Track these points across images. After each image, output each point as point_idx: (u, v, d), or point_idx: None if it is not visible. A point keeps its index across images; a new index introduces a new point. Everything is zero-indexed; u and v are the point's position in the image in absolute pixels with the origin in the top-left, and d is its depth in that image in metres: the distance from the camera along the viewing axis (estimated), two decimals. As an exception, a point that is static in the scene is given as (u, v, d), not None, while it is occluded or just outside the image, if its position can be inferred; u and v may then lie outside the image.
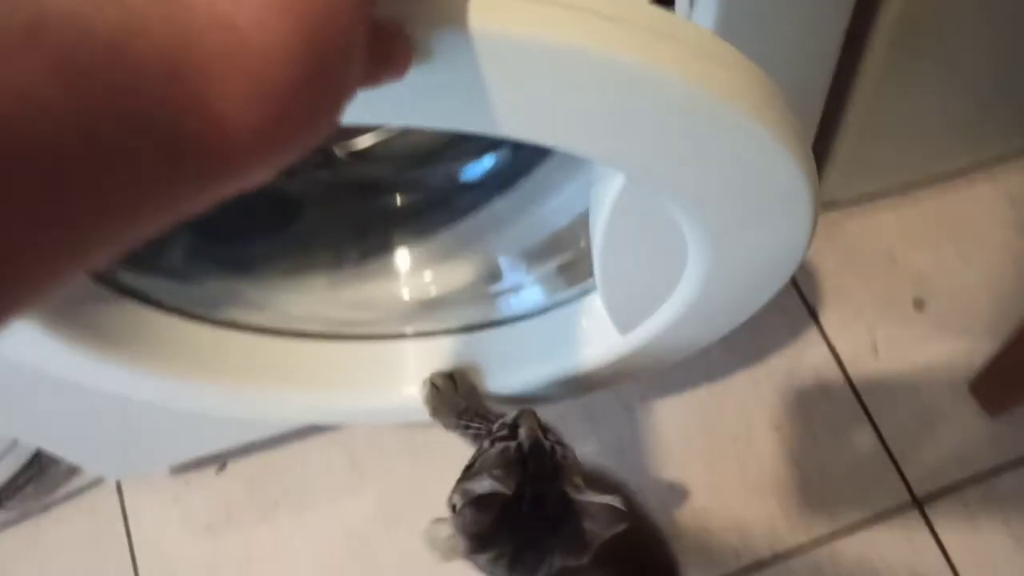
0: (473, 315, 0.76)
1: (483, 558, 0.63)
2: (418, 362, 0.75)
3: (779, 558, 0.96)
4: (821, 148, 1.01)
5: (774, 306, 1.08)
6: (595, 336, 0.72)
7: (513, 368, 0.76)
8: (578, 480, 0.63)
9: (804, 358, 1.04)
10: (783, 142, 0.43)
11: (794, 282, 1.08)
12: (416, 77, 0.33)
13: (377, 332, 0.75)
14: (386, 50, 0.32)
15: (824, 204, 1.09)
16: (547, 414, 0.67)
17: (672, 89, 0.38)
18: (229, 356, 0.69)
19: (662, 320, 0.66)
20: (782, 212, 0.50)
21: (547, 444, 0.63)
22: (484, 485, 0.59)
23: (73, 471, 1.01)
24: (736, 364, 1.05)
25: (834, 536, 0.97)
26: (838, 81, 0.90)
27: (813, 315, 1.06)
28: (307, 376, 0.73)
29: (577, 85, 0.38)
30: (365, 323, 0.75)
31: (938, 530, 0.96)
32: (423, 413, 0.74)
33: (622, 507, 0.61)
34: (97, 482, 1.03)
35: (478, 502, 0.60)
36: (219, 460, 1.03)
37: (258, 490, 1.02)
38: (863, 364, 1.04)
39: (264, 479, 1.02)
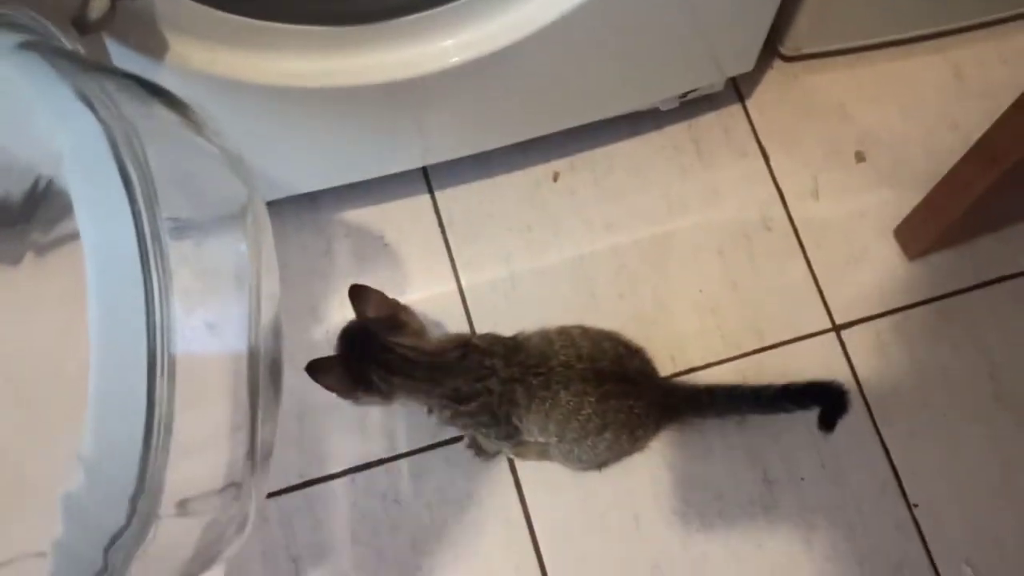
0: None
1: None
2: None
3: (710, 365, 1.07)
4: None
5: (731, 145, 1.17)
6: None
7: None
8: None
9: (752, 194, 1.14)
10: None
11: (751, 125, 1.16)
12: None
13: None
14: None
15: (788, 56, 1.17)
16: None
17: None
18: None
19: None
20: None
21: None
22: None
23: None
24: (691, 193, 1.13)
25: (761, 351, 1.08)
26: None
27: (764, 155, 1.15)
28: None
29: None
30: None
31: (851, 353, 1.08)
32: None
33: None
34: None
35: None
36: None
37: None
38: (803, 204, 1.13)
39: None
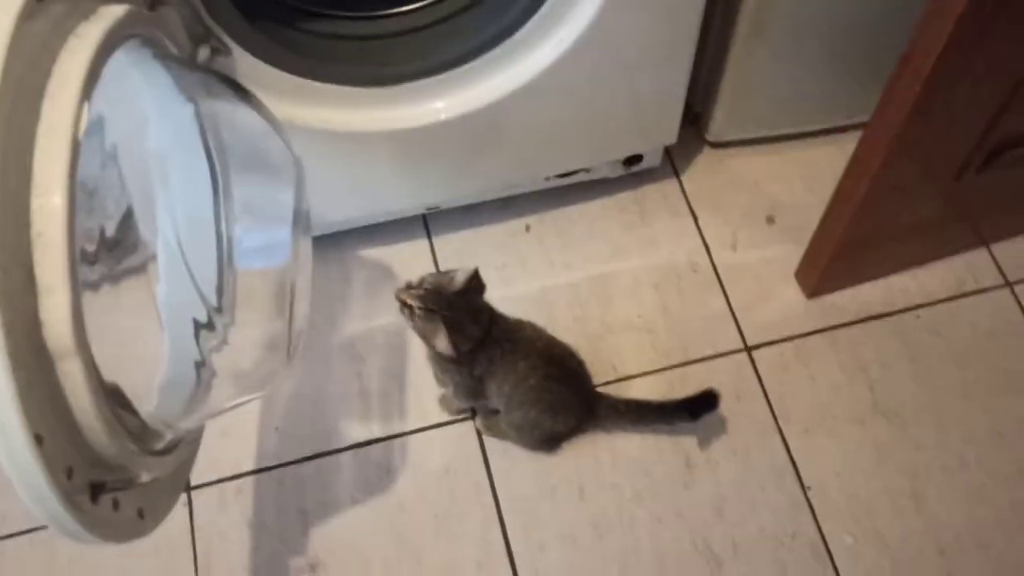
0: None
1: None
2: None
3: (644, 374, 1.34)
4: (708, 98, 1.41)
5: (667, 208, 1.48)
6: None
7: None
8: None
9: (683, 244, 1.44)
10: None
11: (684, 193, 1.48)
12: None
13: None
14: None
15: (714, 143, 1.50)
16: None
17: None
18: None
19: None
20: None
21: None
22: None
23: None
24: (634, 243, 1.44)
25: (686, 364, 1.34)
26: (717, 54, 1.31)
27: (694, 216, 1.46)
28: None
29: None
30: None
31: (759, 368, 1.34)
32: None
33: (475, 269, 1.08)
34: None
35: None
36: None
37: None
38: (724, 254, 1.43)
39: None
